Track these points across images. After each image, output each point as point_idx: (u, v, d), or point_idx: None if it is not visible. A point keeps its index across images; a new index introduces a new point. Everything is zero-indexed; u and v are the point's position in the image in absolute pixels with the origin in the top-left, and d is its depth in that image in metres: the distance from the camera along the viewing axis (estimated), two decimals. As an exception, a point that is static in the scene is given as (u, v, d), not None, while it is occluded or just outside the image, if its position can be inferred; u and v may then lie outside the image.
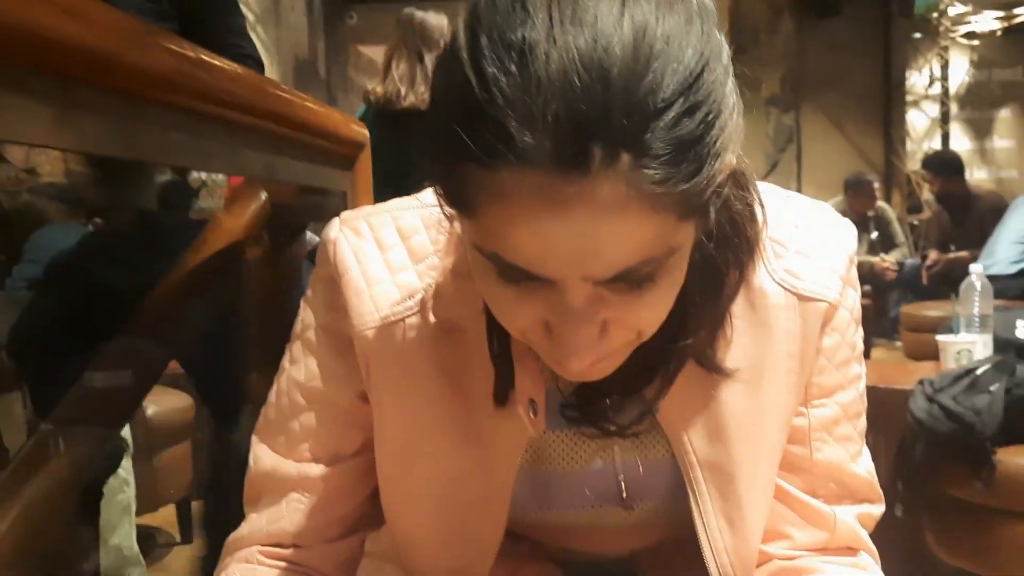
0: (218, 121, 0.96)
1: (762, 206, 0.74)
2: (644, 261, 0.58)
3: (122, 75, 0.76)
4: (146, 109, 0.82)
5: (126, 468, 2.62)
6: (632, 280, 0.59)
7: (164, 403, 3.08)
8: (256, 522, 0.84)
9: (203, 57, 0.89)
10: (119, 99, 0.77)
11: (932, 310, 4.40)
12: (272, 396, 0.86)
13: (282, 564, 0.83)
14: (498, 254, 0.58)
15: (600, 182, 0.53)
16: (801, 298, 0.77)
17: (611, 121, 0.52)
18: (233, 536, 0.85)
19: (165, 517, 3.43)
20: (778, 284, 0.77)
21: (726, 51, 0.59)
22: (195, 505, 3.52)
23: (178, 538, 3.45)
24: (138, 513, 2.66)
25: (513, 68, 0.53)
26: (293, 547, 0.83)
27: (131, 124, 0.81)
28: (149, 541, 2.73)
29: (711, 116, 0.55)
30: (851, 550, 0.83)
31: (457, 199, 0.59)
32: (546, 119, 0.52)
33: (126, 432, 2.61)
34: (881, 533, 0.87)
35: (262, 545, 0.83)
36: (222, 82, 0.93)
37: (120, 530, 2.57)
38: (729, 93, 0.58)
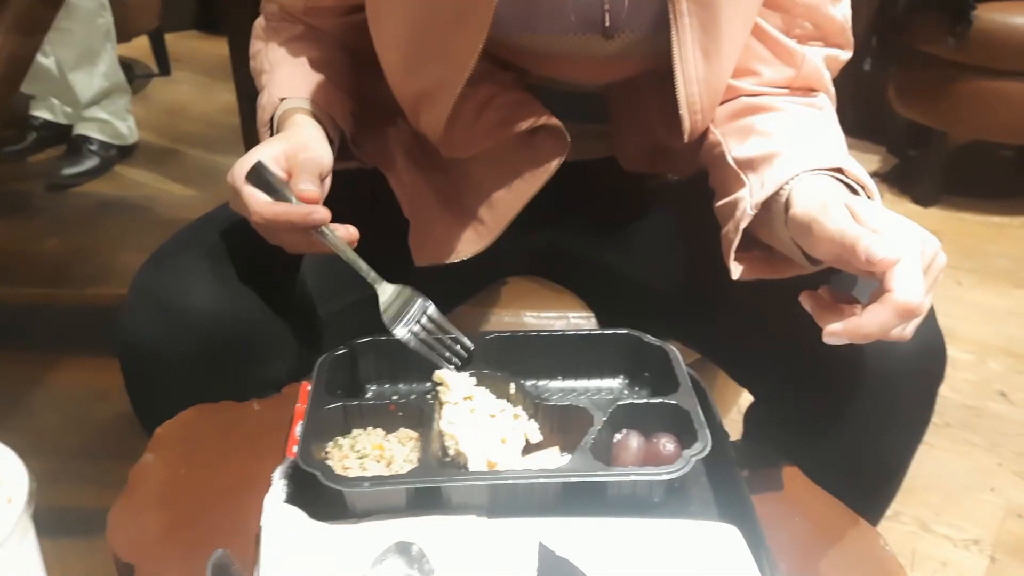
0: None
1: None
2: None
3: None
4: None
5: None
6: None
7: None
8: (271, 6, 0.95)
9: None
10: None
11: None
12: None
13: (298, 21, 0.94)
14: None
15: None
16: None
17: None
18: (257, 22, 0.97)
19: (140, 49, 3.43)
20: None
21: None
22: (169, 37, 3.50)
23: (155, 69, 3.49)
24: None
25: None
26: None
27: None
28: (127, 71, 2.75)
29: None
30: (812, 91, 0.88)
31: None
32: None
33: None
34: (846, 86, 0.91)
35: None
36: None
37: (104, 56, 2.58)
38: None
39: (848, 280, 0.74)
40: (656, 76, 0.84)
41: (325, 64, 0.90)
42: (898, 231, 0.64)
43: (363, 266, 0.76)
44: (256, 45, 0.95)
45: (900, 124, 2.78)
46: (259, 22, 0.97)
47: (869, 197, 0.73)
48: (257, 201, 0.74)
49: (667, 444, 0.71)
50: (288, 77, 0.88)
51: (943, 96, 2.52)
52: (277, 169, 0.74)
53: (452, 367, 0.78)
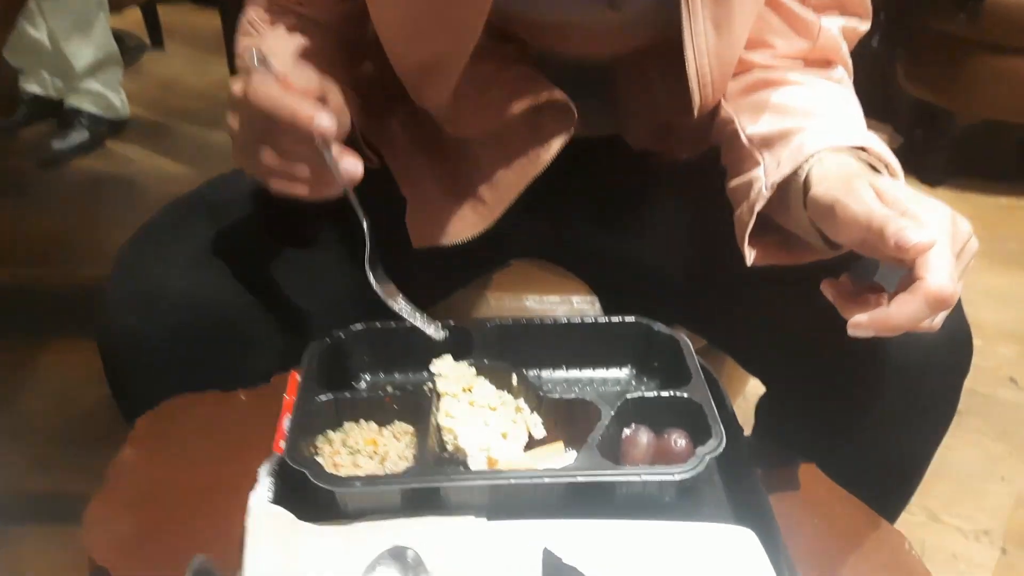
0: None
1: None
2: None
3: None
4: None
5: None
6: None
7: None
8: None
9: None
10: None
11: None
12: None
13: (289, 12, 0.85)
14: None
15: None
16: None
17: None
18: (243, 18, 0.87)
19: (132, 21, 3.37)
20: None
21: None
22: (161, 9, 3.44)
23: (148, 42, 3.43)
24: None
25: None
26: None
27: None
28: (119, 44, 2.70)
29: None
30: (828, 63, 0.84)
31: None
32: None
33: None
34: (854, 63, 0.86)
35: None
36: None
37: (97, 25, 2.53)
38: None
39: (869, 266, 0.70)
40: (665, 49, 0.80)
41: (321, 55, 0.83)
42: (929, 213, 0.59)
43: (357, 205, 0.70)
44: (244, 41, 0.87)
45: (907, 103, 2.73)
46: (246, 17, 0.88)
47: (893, 177, 0.69)
48: (264, 81, 0.65)
49: (679, 440, 0.67)
50: (286, 69, 0.82)
51: (953, 74, 2.47)
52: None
53: (441, 333, 0.74)
